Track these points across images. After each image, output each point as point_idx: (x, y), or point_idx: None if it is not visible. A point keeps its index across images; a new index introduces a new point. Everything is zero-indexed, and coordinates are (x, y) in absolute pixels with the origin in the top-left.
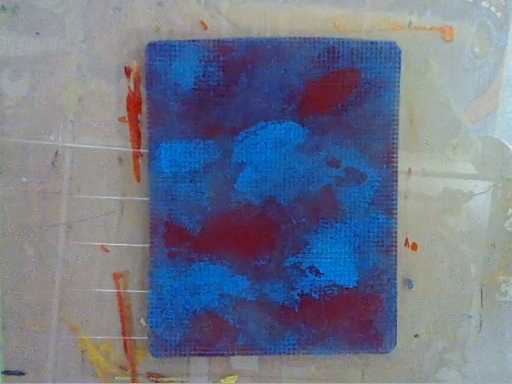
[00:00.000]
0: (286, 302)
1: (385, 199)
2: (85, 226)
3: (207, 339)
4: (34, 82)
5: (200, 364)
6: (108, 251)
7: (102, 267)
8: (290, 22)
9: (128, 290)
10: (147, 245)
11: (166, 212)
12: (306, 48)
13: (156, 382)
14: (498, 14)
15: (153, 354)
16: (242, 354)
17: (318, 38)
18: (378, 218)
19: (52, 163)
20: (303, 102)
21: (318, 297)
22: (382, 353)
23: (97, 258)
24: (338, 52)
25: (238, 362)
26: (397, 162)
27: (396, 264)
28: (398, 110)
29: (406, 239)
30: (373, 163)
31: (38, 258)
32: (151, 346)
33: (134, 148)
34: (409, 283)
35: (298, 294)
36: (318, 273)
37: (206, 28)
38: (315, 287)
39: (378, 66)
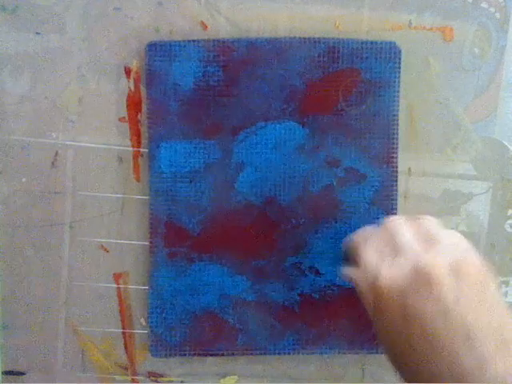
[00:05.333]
0: (286, 302)
1: (385, 199)
2: (85, 226)
3: (207, 339)
4: (34, 80)
5: (200, 364)
6: (108, 251)
7: (103, 267)
8: (289, 21)
9: (128, 289)
10: (147, 243)
11: (166, 212)
12: (306, 48)
13: (156, 381)
14: (498, 15)
15: (153, 354)
16: (242, 354)
17: (318, 37)
18: (378, 218)
19: (52, 163)
20: (303, 101)
21: (317, 297)
22: (382, 353)
23: (97, 257)
24: (338, 52)
25: (237, 362)
26: (397, 162)
27: None
28: (398, 110)
29: None
30: (373, 163)
31: (39, 257)
32: (151, 346)
33: (133, 148)
34: None
35: (298, 294)
36: (317, 273)
37: (205, 28)
38: (315, 287)
39: (378, 66)
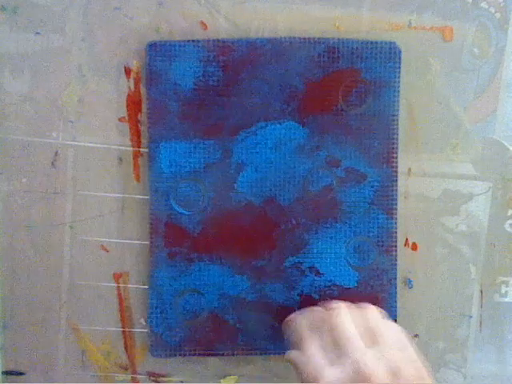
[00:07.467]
0: (285, 302)
1: (385, 199)
2: (85, 226)
3: (207, 339)
4: (34, 80)
5: (200, 364)
6: (108, 251)
7: (103, 267)
8: (289, 21)
9: (128, 289)
10: (147, 242)
11: (166, 212)
12: (306, 48)
13: (156, 381)
14: (497, 15)
15: (153, 354)
16: (242, 354)
17: (318, 38)
18: (377, 218)
19: (52, 163)
20: (303, 101)
21: (318, 297)
22: None
23: (97, 257)
24: (338, 52)
25: (237, 362)
26: (397, 162)
27: (396, 264)
28: (398, 110)
29: (406, 239)
30: (373, 163)
31: (39, 257)
32: (151, 346)
33: (133, 148)
34: (409, 283)
35: (297, 294)
36: (317, 273)
37: (205, 28)
38: (315, 287)
39: (378, 66)
